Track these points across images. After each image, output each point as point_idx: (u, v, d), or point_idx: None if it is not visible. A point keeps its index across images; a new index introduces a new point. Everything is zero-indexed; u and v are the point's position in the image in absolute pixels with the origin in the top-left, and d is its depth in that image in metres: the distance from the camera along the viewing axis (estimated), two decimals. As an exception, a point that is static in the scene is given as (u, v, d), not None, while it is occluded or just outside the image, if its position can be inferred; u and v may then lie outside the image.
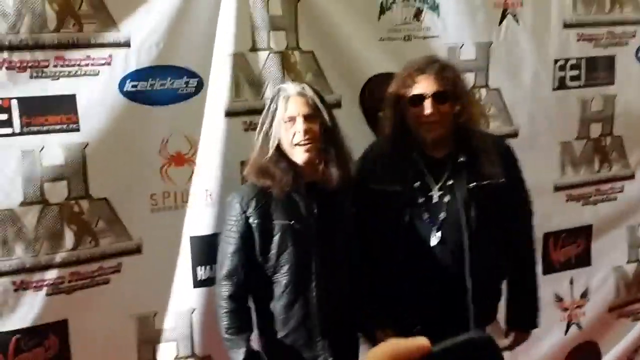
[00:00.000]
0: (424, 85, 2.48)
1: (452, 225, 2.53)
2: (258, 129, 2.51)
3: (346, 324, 2.62)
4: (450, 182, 2.54)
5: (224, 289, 2.48)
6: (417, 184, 2.54)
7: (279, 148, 2.44)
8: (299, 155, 2.42)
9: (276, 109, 2.42)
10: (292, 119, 2.41)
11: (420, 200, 2.53)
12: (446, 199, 2.54)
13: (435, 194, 2.54)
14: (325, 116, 2.45)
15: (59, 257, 2.62)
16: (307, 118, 2.40)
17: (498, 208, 2.57)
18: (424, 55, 2.67)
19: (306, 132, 2.39)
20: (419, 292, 2.55)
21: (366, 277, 2.62)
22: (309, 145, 2.40)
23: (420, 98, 2.47)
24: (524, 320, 2.80)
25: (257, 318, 2.60)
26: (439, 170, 2.55)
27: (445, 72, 2.52)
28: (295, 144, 2.41)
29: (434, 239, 2.53)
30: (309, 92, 2.45)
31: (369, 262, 2.62)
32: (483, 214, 2.52)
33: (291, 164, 2.44)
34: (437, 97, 2.47)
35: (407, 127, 2.55)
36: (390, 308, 2.60)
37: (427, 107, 2.45)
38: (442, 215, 2.53)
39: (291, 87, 2.46)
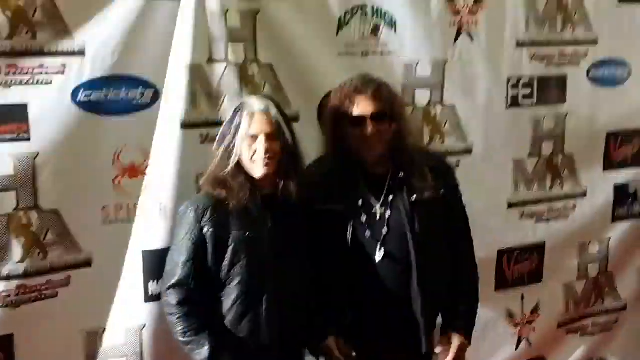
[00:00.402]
0: (362, 107, 2.50)
1: (396, 240, 2.56)
2: (218, 140, 2.48)
3: (296, 340, 2.60)
4: (390, 198, 2.57)
5: (173, 296, 2.43)
6: (360, 201, 2.56)
7: (237, 162, 2.43)
8: (257, 171, 2.42)
9: (239, 124, 2.41)
10: (254, 137, 2.40)
11: (363, 218, 2.56)
12: (387, 214, 2.56)
13: (377, 211, 2.57)
14: (287, 135, 2.44)
15: (5, 270, 2.55)
16: (269, 137, 2.40)
17: (439, 220, 2.62)
18: (359, 73, 2.68)
19: (267, 150, 2.39)
20: (367, 309, 2.58)
21: (315, 295, 2.62)
22: (268, 162, 2.40)
23: (360, 119, 2.50)
24: (465, 325, 2.75)
25: None
26: (380, 186, 2.58)
27: (382, 91, 2.55)
28: (254, 160, 2.41)
29: (378, 255, 2.55)
30: (273, 110, 2.43)
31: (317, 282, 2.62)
32: (426, 226, 2.56)
33: (249, 177, 2.43)
34: (375, 117, 2.50)
35: (347, 146, 2.57)
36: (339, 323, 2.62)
37: (368, 129, 2.49)
38: (384, 230, 2.56)
39: (256, 104, 2.44)
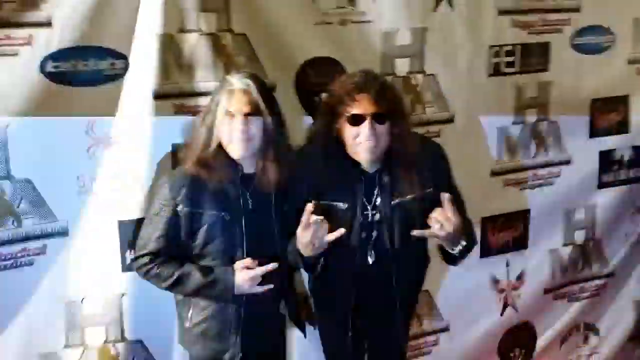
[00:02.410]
0: (363, 105, 2.41)
1: (383, 243, 2.55)
2: (200, 118, 2.47)
3: (269, 321, 2.62)
4: (378, 201, 2.55)
5: (144, 260, 2.47)
6: (359, 201, 2.54)
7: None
8: (234, 151, 2.40)
9: (217, 103, 2.39)
10: (233, 115, 2.37)
11: (361, 219, 2.54)
12: (377, 217, 2.55)
13: (370, 213, 2.55)
14: (267, 116, 2.40)
15: (-22, 238, 2.58)
16: (247, 115, 2.37)
17: (421, 219, 2.52)
18: (362, 69, 2.60)
19: (243, 131, 2.37)
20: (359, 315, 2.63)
21: None
22: (244, 143, 2.38)
23: (359, 118, 2.41)
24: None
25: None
26: (371, 187, 2.55)
27: (385, 92, 2.47)
28: (232, 139, 2.39)
29: (371, 258, 2.56)
30: (254, 90, 2.39)
31: None
32: (405, 228, 2.53)
33: (230, 158, 2.42)
34: (376, 118, 2.41)
35: (341, 142, 2.50)
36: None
37: (365, 130, 2.40)
38: (375, 233, 2.56)
39: (236, 82, 2.41)
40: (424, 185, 2.54)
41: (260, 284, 2.44)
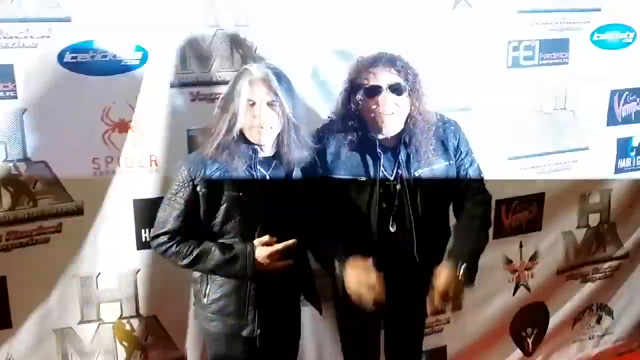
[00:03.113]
0: (380, 77, 2.50)
1: (404, 213, 2.60)
2: (220, 106, 2.49)
3: (286, 297, 2.66)
4: (399, 172, 2.59)
5: (163, 238, 2.48)
6: (379, 173, 2.58)
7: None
8: (255, 137, 2.44)
9: (240, 92, 2.41)
10: (253, 104, 2.40)
11: (381, 190, 2.59)
12: (398, 187, 2.59)
13: (391, 184, 2.60)
14: (286, 105, 2.42)
15: (-5, 216, 2.64)
16: (267, 105, 2.40)
17: (443, 192, 2.65)
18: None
19: (264, 119, 2.40)
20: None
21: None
22: (264, 130, 2.42)
23: (377, 89, 2.49)
24: (463, 254, 2.62)
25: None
26: (392, 159, 2.60)
27: (400, 64, 2.54)
28: (252, 127, 2.42)
29: (392, 228, 2.60)
30: (274, 79, 2.41)
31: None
32: (432, 200, 2.61)
33: (250, 143, 2.45)
34: (393, 89, 2.49)
35: (362, 118, 2.57)
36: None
37: (383, 99, 2.49)
38: (397, 203, 2.60)
39: (256, 71, 2.43)
40: (444, 157, 2.63)
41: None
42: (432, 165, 2.62)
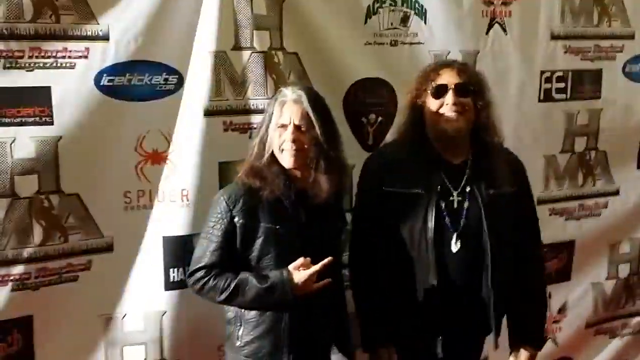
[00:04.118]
0: (446, 77, 2.50)
1: (472, 232, 2.51)
2: (256, 132, 2.48)
3: (321, 341, 2.57)
4: (468, 189, 2.53)
5: (200, 274, 2.40)
6: (438, 187, 2.52)
7: (273, 153, 2.42)
8: (285, 160, 2.39)
9: (271, 115, 2.40)
10: (284, 126, 2.38)
11: (442, 204, 2.51)
12: (466, 204, 2.52)
13: (455, 199, 2.53)
14: (317, 129, 2.39)
15: (26, 252, 2.57)
16: (298, 127, 2.37)
17: (512, 218, 2.58)
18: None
19: (294, 141, 2.36)
20: (440, 299, 2.52)
21: (366, 291, 2.62)
22: (295, 152, 2.37)
23: (443, 89, 2.48)
24: (536, 338, 2.73)
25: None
26: (457, 176, 2.55)
27: (467, 67, 2.60)
28: (283, 149, 2.38)
29: (455, 246, 2.51)
30: (305, 101, 2.39)
31: (371, 274, 2.61)
32: (501, 222, 2.53)
33: (283, 169, 2.41)
34: (459, 89, 2.47)
35: (425, 132, 2.55)
36: (401, 319, 2.59)
37: (450, 98, 2.46)
38: (463, 221, 2.52)
39: (289, 93, 2.41)
40: (511, 184, 2.57)
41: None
42: (503, 188, 2.55)
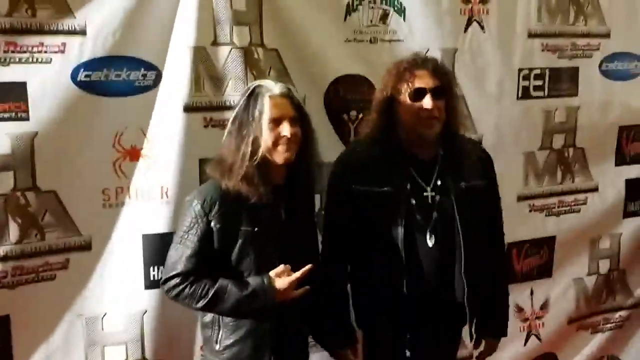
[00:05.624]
0: (424, 80, 2.45)
1: (445, 226, 2.51)
2: (233, 128, 2.34)
3: (300, 340, 2.55)
4: (439, 183, 2.53)
5: (175, 281, 2.31)
6: (408, 185, 2.51)
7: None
8: (279, 156, 2.30)
9: (262, 110, 2.28)
10: (276, 120, 2.29)
11: (413, 201, 2.50)
12: (437, 198, 2.52)
13: (429, 195, 2.52)
14: (308, 120, 2.37)
15: (1, 250, 2.53)
16: (292, 120, 2.30)
17: (483, 209, 2.60)
18: (413, 52, 2.66)
19: (292, 133, 2.28)
20: (414, 293, 2.51)
21: (332, 285, 2.60)
22: (292, 145, 2.30)
23: (421, 92, 2.44)
24: (496, 329, 2.77)
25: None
26: (427, 171, 2.54)
27: (438, 66, 2.54)
28: (277, 145, 2.30)
29: (430, 241, 2.51)
30: (294, 94, 2.36)
31: (339, 269, 2.62)
32: (472, 215, 2.53)
33: (266, 169, 2.32)
34: (435, 92, 2.45)
35: (394, 129, 2.51)
36: (374, 316, 2.60)
37: (429, 101, 2.43)
38: (435, 215, 2.51)
39: (275, 86, 2.33)
40: (480, 177, 2.59)
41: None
42: (473, 181, 2.55)
